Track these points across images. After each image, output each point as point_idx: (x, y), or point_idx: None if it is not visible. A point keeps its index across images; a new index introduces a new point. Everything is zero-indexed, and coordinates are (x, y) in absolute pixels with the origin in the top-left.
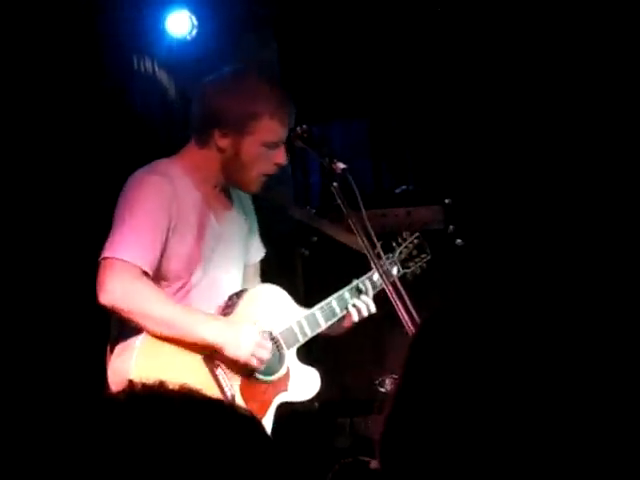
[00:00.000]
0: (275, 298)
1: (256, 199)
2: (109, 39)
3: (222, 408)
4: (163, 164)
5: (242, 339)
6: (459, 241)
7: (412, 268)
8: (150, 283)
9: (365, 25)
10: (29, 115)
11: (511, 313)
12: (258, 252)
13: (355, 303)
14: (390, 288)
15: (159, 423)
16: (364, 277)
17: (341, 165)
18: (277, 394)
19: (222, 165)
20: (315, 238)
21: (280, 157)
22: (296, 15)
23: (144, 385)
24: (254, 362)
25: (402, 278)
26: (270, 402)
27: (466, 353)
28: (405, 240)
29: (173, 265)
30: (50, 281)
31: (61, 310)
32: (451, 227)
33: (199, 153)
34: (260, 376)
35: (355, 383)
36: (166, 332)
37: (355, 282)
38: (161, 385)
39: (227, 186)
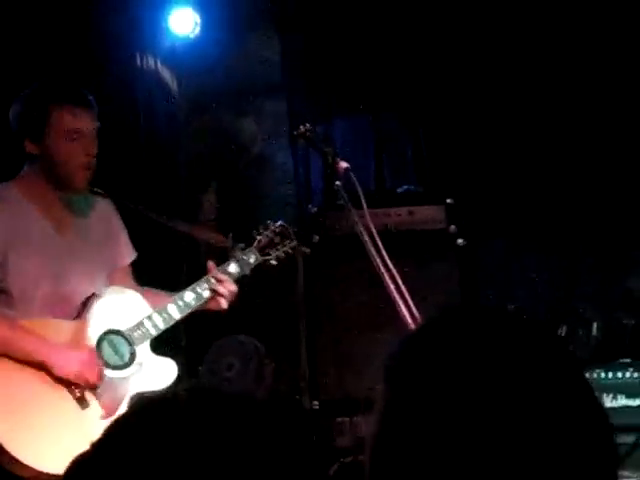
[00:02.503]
0: (125, 298)
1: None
2: (112, 37)
3: (275, 406)
4: (0, 189)
5: (68, 361)
6: (460, 241)
7: (273, 255)
8: None
9: (368, 23)
10: None
11: (501, 327)
12: (125, 256)
13: (211, 293)
14: (391, 287)
15: (220, 417)
16: (218, 269)
17: (344, 164)
18: (131, 386)
19: (45, 173)
20: (317, 237)
21: (87, 146)
22: (299, 13)
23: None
24: (81, 382)
25: (265, 265)
26: (124, 396)
27: (454, 365)
28: (266, 229)
29: (18, 282)
30: None
31: None
32: (453, 227)
33: (27, 170)
34: (110, 372)
35: (355, 382)
36: None
37: (208, 275)
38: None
39: (65, 196)
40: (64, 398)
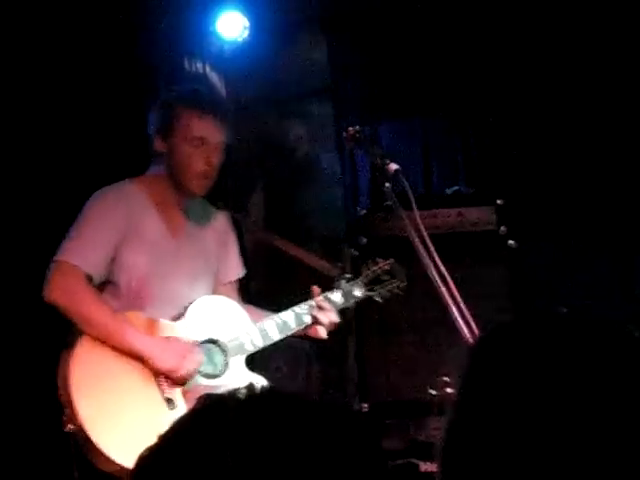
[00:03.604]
0: (225, 308)
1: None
2: (161, 41)
3: (334, 408)
4: (123, 183)
5: (168, 351)
6: (511, 242)
7: (377, 291)
8: (90, 287)
9: (416, 25)
10: (82, 115)
11: (577, 327)
12: (234, 271)
13: (312, 319)
14: (442, 289)
15: (276, 420)
16: (323, 295)
17: (394, 166)
18: None
19: (167, 172)
20: (365, 240)
21: (209, 156)
22: (346, 16)
23: (262, 386)
24: (180, 374)
25: (369, 301)
26: None
27: (531, 367)
28: (376, 264)
29: (126, 277)
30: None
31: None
32: (503, 228)
33: (153, 169)
34: (202, 380)
35: (405, 385)
36: (97, 334)
37: (311, 300)
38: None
39: (185, 199)
40: (153, 397)
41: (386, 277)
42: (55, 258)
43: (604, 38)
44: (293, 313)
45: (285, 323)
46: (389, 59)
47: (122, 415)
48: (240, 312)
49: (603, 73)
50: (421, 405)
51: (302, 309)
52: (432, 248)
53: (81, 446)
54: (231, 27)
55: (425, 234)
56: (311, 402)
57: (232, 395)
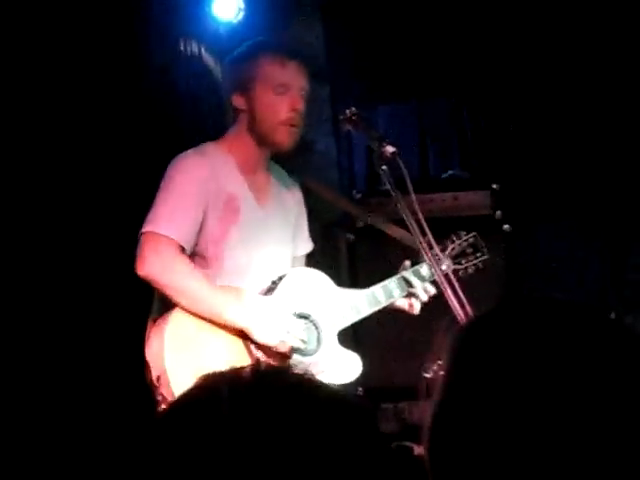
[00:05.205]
0: (317, 282)
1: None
2: (155, 22)
3: (340, 398)
4: (207, 146)
5: (271, 325)
6: (506, 227)
7: (464, 265)
8: (186, 259)
9: (413, 7)
10: (74, 96)
11: (568, 312)
12: (305, 245)
13: (401, 292)
14: (439, 273)
15: (285, 401)
16: (411, 270)
17: (390, 148)
18: (315, 375)
19: (249, 128)
20: (361, 223)
21: (293, 101)
22: None
23: (269, 365)
24: (282, 349)
25: (455, 274)
26: None
27: (518, 351)
28: (459, 238)
29: (210, 242)
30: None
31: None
32: (498, 213)
33: (234, 129)
34: (297, 357)
35: (399, 369)
36: (197, 309)
37: (402, 274)
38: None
39: (269, 159)
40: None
41: (470, 250)
42: (144, 230)
43: (600, 21)
44: (382, 287)
45: (375, 297)
46: (385, 42)
47: None
48: (331, 286)
49: (600, 58)
50: (416, 389)
51: (391, 283)
52: (428, 232)
53: None
54: (226, 9)
55: (422, 218)
56: (312, 389)
57: (238, 374)
